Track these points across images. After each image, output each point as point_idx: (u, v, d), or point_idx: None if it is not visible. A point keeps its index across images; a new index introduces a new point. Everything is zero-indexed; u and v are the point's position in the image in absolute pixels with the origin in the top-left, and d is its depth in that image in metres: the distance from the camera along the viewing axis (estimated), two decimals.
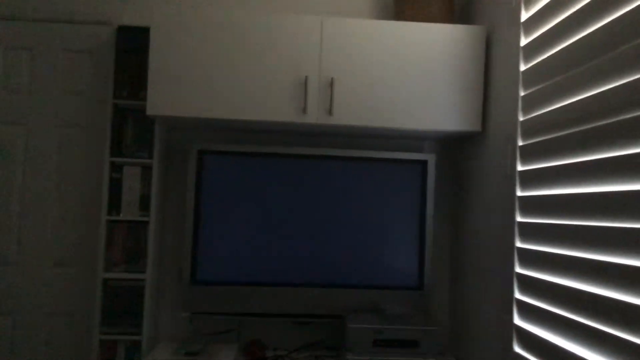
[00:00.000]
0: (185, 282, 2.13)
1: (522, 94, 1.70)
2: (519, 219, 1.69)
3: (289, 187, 2.19)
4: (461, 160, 2.30)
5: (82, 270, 2.30)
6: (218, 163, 2.17)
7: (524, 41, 1.70)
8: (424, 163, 2.23)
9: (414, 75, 2.04)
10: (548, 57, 1.54)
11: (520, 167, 1.69)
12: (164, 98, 1.97)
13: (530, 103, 1.64)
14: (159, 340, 2.28)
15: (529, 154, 1.64)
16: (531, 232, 1.60)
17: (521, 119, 1.70)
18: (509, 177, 1.75)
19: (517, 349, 1.65)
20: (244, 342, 2.27)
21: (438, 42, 2.04)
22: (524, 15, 1.72)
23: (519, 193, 1.69)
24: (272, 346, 2.31)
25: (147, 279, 2.10)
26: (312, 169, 2.20)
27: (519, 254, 1.67)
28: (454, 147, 2.40)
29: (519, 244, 1.68)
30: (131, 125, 2.15)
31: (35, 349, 2.27)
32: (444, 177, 2.43)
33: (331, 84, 1.99)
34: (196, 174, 2.15)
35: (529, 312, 1.59)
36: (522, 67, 1.71)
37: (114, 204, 2.13)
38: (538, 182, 1.57)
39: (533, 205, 1.60)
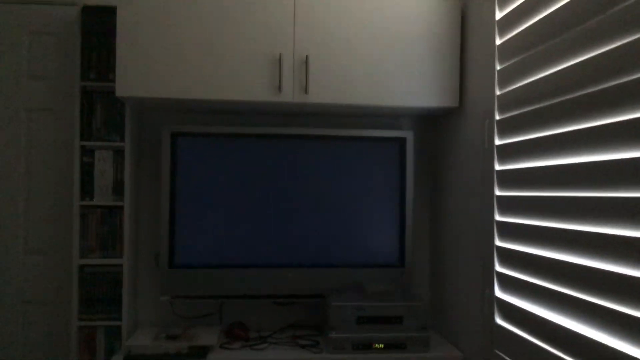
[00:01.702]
0: (164, 267, 2.09)
1: (498, 68, 1.70)
2: (497, 192, 1.69)
3: (266, 168, 2.16)
4: (439, 137, 2.30)
5: (57, 257, 2.25)
6: (192, 145, 2.13)
7: (498, 15, 1.69)
8: (402, 140, 2.22)
9: (390, 52, 2.01)
10: (523, 30, 1.54)
11: (498, 142, 1.69)
12: (133, 79, 1.91)
13: (507, 77, 1.63)
14: (139, 326, 2.25)
15: (506, 127, 1.64)
16: (510, 206, 1.61)
17: (498, 93, 1.70)
18: (487, 152, 1.75)
19: (499, 320, 1.67)
20: (226, 325, 2.26)
21: (413, 17, 2.01)
22: None
23: (497, 167, 1.69)
24: (255, 328, 2.30)
25: (124, 264, 2.06)
26: (290, 149, 2.17)
27: (498, 228, 1.69)
28: (432, 124, 2.40)
29: (498, 217, 1.69)
30: (101, 108, 2.08)
31: (14, 337, 2.23)
32: (423, 154, 2.42)
33: (306, 61, 1.95)
34: (170, 156, 2.11)
35: (509, 284, 1.61)
36: (498, 41, 1.70)
37: (87, 189, 2.07)
38: (516, 156, 1.58)
39: (511, 179, 1.60)
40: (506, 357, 1.60)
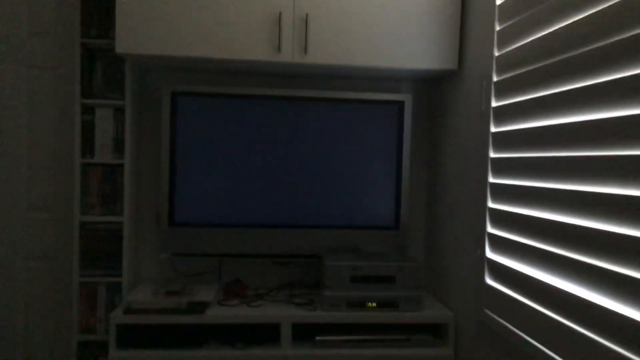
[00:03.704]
0: (164, 224, 2.13)
1: (497, 28, 1.69)
2: (492, 155, 1.70)
3: (265, 128, 2.17)
4: (437, 100, 2.30)
5: (58, 214, 2.29)
6: (192, 105, 2.14)
7: None
8: (400, 104, 2.22)
9: (390, 13, 1.99)
10: None
11: (494, 104, 1.70)
12: (134, 36, 1.90)
13: (506, 38, 1.63)
14: (139, 282, 2.30)
15: (503, 89, 1.64)
16: (503, 168, 1.62)
17: (496, 54, 1.69)
18: (484, 114, 1.76)
19: (489, 281, 1.71)
20: (224, 282, 2.31)
21: None
22: None
23: (493, 129, 1.70)
24: (253, 286, 2.35)
25: (124, 221, 2.10)
26: (289, 110, 2.18)
27: (491, 189, 1.70)
28: (431, 88, 2.39)
29: (491, 179, 1.71)
30: (101, 65, 2.09)
31: (16, 293, 2.29)
32: (421, 117, 2.43)
33: (306, 20, 1.94)
34: (170, 116, 2.12)
35: (500, 244, 1.64)
36: (498, 1, 1.68)
37: (88, 147, 2.09)
38: (511, 117, 1.58)
39: (506, 141, 1.61)
40: (496, 317, 1.64)
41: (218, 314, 1.94)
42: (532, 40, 1.47)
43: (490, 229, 1.71)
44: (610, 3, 1.16)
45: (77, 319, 2.09)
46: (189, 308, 1.96)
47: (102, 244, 2.11)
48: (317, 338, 1.96)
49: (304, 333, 2.04)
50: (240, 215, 2.18)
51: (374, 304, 2.00)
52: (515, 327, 1.51)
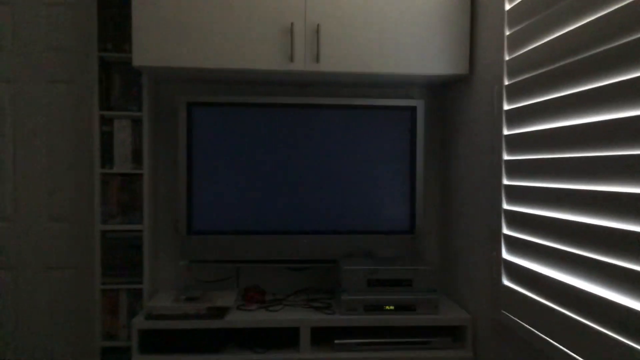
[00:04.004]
0: (182, 232, 2.17)
1: (507, 33, 1.71)
2: (505, 157, 1.73)
3: (280, 136, 2.21)
4: (450, 105, 2.32)
5: (79, 223, 2.35)
6: (207, 114, 2.18)
7: None
8: (413, 109, 2.25)
9: (401, 20, 2.03)
10: None
11: (506, 107, 1.72)
12: (149, 49, 1.95)
13: (516, 42, 1.65)
14: (159, 289, 2.34)
15: (514, 92, 1.66)
16: (517, 170, 1.64)
17: (507, 58, 1.71)
18: (496, 117, 1.78)
19: (506, 282, 1.72)
20: (242, 288, 2.34)
21: None
22: None
23: (506, 132, 1.72)
24: (270, 291, 2.38)
25: (144, 229, 2.14)
26: (302, 118, 2.21)
27: (506, 192, 1.72)
28: (443, 93, 2.42)
29: (505, 181, 1.73)
30: (118, 78, 2.14)
31: (39, 302, 2.34)
32: (433, 122, 2.45)
33: (317, 30, 1.98)
34: (186, 125, 2.16)
35: (516, 246, 1.65)
36: (507, 6, 1.70)
37: (107, 157, 2.14)
38: (523, 120, 1.60)
39: (519, 143, 1.63)
40: (513, 317, 1.65)
41: (237, 319, 1.98)
42: (542, 44, 1.49)
43: (505, 230, 1.72)
44: (618, 5, 1.18)
45: (100, 326, 2.13)
46: (209, 313, 1.99)
47: (122, 252, 2.15)
48: (336, 341, 1.98)
49: (323, 337, 2.07)
50: (256, 222, 2.21)
51: (392, 307, 2.02)
52: (533, 327, 1.53)
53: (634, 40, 1.13)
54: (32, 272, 2.34)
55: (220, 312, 2.01)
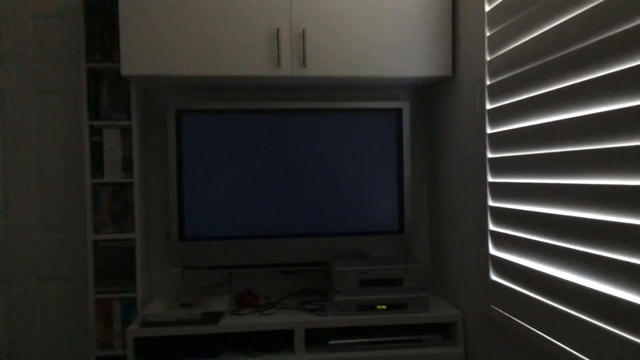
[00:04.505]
0: (174, 239, 2.19)
1: (488, 34, 1.76)
2: (489, 155, 1.77)
3: (268, 141, 2.24)
4: (434, 106, 2.36)
5: (72, 233, 2.35)
6: (196, 121, 2.21)
7: None
8: (399, 111, 2.29)
9: (385, 23, 2.07)
10: None
11: (489, 106, 1.76)
12: (137, 58, 1.98)
13: (496, 42, 1.70)
14: (153, 296, 2.35)
15: (496, 92, 1.70)
16: (501, 167, 1.68)
17: (488, 59, 1.76)
18: (479, 117, 1.82)
19: (494, 277, 1.76)
20: (236, 293, 2.36)
21: None
22: None
23: (489, 130, 1.76)
24: (264, 295, 2.40)
25: (136, 238, 2.15)
26: (290, 122, 2.24)
27: (490, 189, 1.76)
28: (427, 94, 2.46)
29: (490, 179, 1.77)
30: (107, 87, 2.16)
31: (33, 313, 2.34)
32: (419, 123, 2.50)
33: (303, 35, 2.02)
34: (176, 133, 2.19)
35: (502, 241, 1.69)
36: (487, 8, 1.75)
37: (97, 167, 2.16)
38: (506, 118, 1.65)
39: (502, 141, 1.67)
40: (502, 312, 1.69)
41: (232, 323, 1.99)
42: (521, 44, 1.54)
43: (492, 227, 1.76)
44: (593, 4, 1.22)
45: (95, 335, 2.14)
46: (203, 318, 2.01)
47: (115, 261, 2.17)
48: (330, 342, 2.01)
49: (317, 338, 2.09)
50: (248, 227, 2.24)
51: (384, 307, 2.05)
52: (522, 320, 1.56)
53: (611, 36, 1.17)
54: (25, 283, 2.34)
55: (214, 317, 2.02)
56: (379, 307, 2.05)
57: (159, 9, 1.97)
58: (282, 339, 2.05)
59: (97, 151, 2.15)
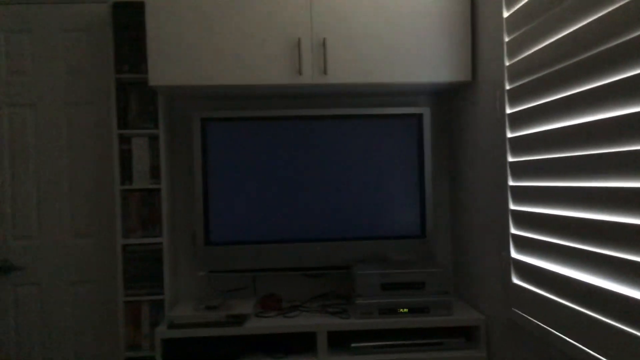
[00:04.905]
0: (200, 244, 2.25)
1: (506, 39, 1.77)
2: (510, 159, 1.78)
3: (291, 147, 2.28)
4: (455, 111, 2.38)
5: (102, 239, 2.43)
6: (221, 129, 2.27)
7: None
8: (419, 116, 2.31)
9: (404, 30, 2.10)
10: (528, 1, 1.61)
11: (508, 110, 1.78)
12: (164, 69, 2.05)
13: (515, 48, 1.71)
14: (179, 299, 2.42)
15: (516, 96, 1.72)
16: (522, 170, 1.70)
17: (507, 63, 1.77)
18: (499, 121, 1.84)
19: (516, 280, 1.77)
20: (260, 296, 2.41)
21: None
22: None
23: (509, 134, 1.78)
24: (287, 299, 2.44)
25: (163, 242, 2.22)
26: (313, 129, 2.29)
27: (512, 192, 1.77)
28: (448, 99, 2.48)
29: (511, 182, 1.78)
30: (135, 98, 2.23)
31: (65, 315, 2.43)
32: (440, 128, 2.52)
33: (323, 44, 2.06)
34: (201, 140, 2.25)
35: (524, 244, 1.70)
36: (505, 14, 1.77)
37: (126, 174, 2.23)
38: (526, 122, 1.66)
39: (522, 145, 1.69)
40: (525, 315, 1.69)
41: (256, 325, 2.04)
42: (540, 49, 1.55)
43: (513, 230, 1.77)
44: (611, 8, 1.24)
45: (124, 337, 2.20)
46: (229, 320, 2.06)
47: (143, 265, 2.23)
48: (353, 345, 2.03)
49: (339, 341, 2.12)
50: (271, 232, 2.28)
51: (406, 310, 2.06)
52: (544, 323, 1.57)
53: (629, 40, 1.18)
54: (57, 287, 2.43)
55: (239, 319, 2.07)
56: (401, 310, 2.07)
57: (185, 21, 2.04)
58: (305, 342, 2.08)
59: (126, 159, 2.23)
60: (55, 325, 2.42)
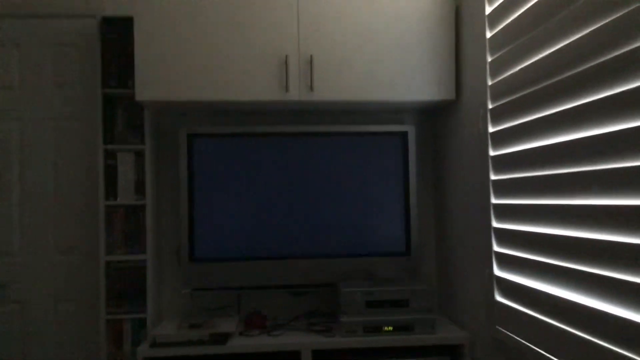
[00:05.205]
0: (184, 261, 2.23)
1: (489, 59, 1.81)
2: (492, 177, 1.80)
3: (277, 164, 2.29)
4: (439, 129, 2.41)
5: (85, 255, 2.41)
6: (207, 145, 2.27)
7: (488, 9, 1.80)
8: (404, 134, 2.33)
9: (390, 49, 2.13)
10: (510, 22, 1.65)
11: (491, 129, 1.80)
12: (151, 84, 2.05)
13: (497, 68, 1.74)
14: (163, 317, 2.38)
15: (498, 115, 1.75)
16: (504, 188, 1.71)
17: (490, 83, 1.80)
18: (482, 139, 1.86)
19: (499, 297, 1.77)
20: (244, 314, 2.38)
21: (411, 15, 2.13)
22: None
23: (492, 153, 1.80)
24: (272, 316, 2.42)
25: (147, 259, 2.20)
26: (298, 145, 2.30)
27: (494, 210, 1.79)
28: (432, 118, 2.51)
29: (494, 200, 1.79)
30: (121, 113, 2.23)
31: (46, 333, 2.38)
32: (424, 146, 2.54)
33: (310, 61, 2.08)
34: (187, 156, 2.25)
35: (507, 262, 1.71)
36: (488, 34, 1.81)
37: (111, 189, 2.21)
38: (508, 140, 1.68)
39: (504, 163, 1.71)
40: (508, 333, 1.69)
41: (240, 344, 2.01)
42: (521, 68, 1.58)
43: (496, 248, 1.78)
44: (590, 29, 1.27)
45: (105, 356, 2.16)
46: (212, 339, 2.03)
47: (126, 282, 2.20)
48: None
49: (324, 359, 2.10)
50: (257, 249, 2.27)
51: (390, 328, 2.05)
52: (528, 341, 1.57)
53: (609, 59, 1.20)
54: (39, 304, 2.39)
55: (222, 338, 2.04)
56: (386, 328, 2.06)
57: (173, 37, 2.06)
58: None
59: (111, 174, 2.22)
60: (35, 343, 2.38)
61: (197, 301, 2.41)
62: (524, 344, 1.58)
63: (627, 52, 1.14)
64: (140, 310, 2.19)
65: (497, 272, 1.78)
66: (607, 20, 1.21)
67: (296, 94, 2.09)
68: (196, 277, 2.24)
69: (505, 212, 1.71)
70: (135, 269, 2.21)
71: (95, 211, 2.38)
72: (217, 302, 2.41)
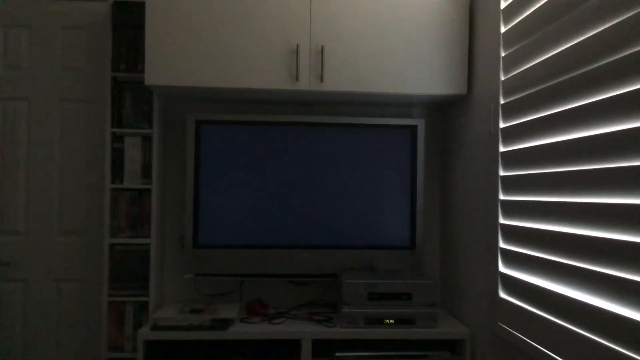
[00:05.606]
0: (188, 246, 2.23)
1: (503, 54, 1.79)
2: (501, 173, 1.79)
3: (284, 153, 2.28)
4: (449, 124, 2.39)
5: (89, 237, 2.41)
6: (215, 132, 2.26)
7: (503, 4, 1.78)
8: (413, 128, 2.32)
9: (402, 41, 2.11)
10: (525, 17, 1.63)
11: (502, 125, 1.79)
12: (161, 69, 2.05)
13: (511, 63, 1.73)
14: (164, 301, 2.39)
15: (510, 111, 1.73)
16: (513, 185, 1.70)
17: (502, 78, 1.79)
18: (493, 135, 1.85)
19: (502, 294, 1.77)
20: (246, 302, 2.39)
21: (424, 7, 2.11)
22: None
23: (502, 149, 1.79)
24: (273, 305, 2.42)
25: (151, 243, 2.20)
26: (306, 136, 2.29)
27: (502, 206, 1.78)
28: (442, 112, 2.49)
29: (502, 197, 1.78)
30: (130, 97, 2.23)
31: (47, 312, 2.40)
32: (433, 140, 2.52)
33: (321, 51, 2.07)
34: (195, 143, 2.24)
35: (512, 259, 1.70)
36: (503, 29, 1.79)
37: (117, 173, 2.21)
38: (518, 137, 1.67)
39: (514, 159, 1.70)
40: (510, 330, 1.69)
41: (241, 330, 2.02)
42: (535, 64, 1.57)
43: (502, 244, 1.77)
44: (605, 26, 1.25)
45: (106, 338, 2.18)
46: (213, 325, 2.04)
47: (129, 265, 2.21)
48: (337, 354, 2.02)
49: (324, 349, 2.10)
50: (260, 237, 2.27)
51: (392, 321, 2.05)
52: (529, 339, 1.56)
53: (624, 57, 1.19)
54: (42, 284, 2.40)
55: (223, 323, 2.05)
56: (387, 321, 2.06)
57: (184, 23, 2.05)
58: (289, 349, 2.06)
59: (117, 158, 2.22)
60: (36, 323, 2.39)
61: (200, 287, 2.42)
62: (526, 341, 1.58)
63: None
64: (142, 294, 2.20)
65: (502, 268, 1.77)
66: (622, 17, 1.19)
67: (306, 83, 2.08)
68: (199, 263, 2.24)
69: (513, 209, 1.70)
70: (138, 253, 2.21)
71: (101, 194, 2.39)
72: (220, 289, 2.42)
